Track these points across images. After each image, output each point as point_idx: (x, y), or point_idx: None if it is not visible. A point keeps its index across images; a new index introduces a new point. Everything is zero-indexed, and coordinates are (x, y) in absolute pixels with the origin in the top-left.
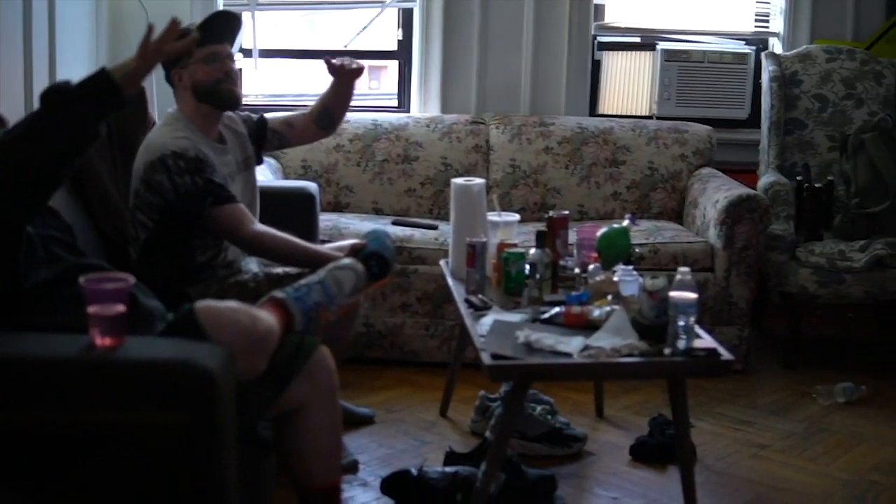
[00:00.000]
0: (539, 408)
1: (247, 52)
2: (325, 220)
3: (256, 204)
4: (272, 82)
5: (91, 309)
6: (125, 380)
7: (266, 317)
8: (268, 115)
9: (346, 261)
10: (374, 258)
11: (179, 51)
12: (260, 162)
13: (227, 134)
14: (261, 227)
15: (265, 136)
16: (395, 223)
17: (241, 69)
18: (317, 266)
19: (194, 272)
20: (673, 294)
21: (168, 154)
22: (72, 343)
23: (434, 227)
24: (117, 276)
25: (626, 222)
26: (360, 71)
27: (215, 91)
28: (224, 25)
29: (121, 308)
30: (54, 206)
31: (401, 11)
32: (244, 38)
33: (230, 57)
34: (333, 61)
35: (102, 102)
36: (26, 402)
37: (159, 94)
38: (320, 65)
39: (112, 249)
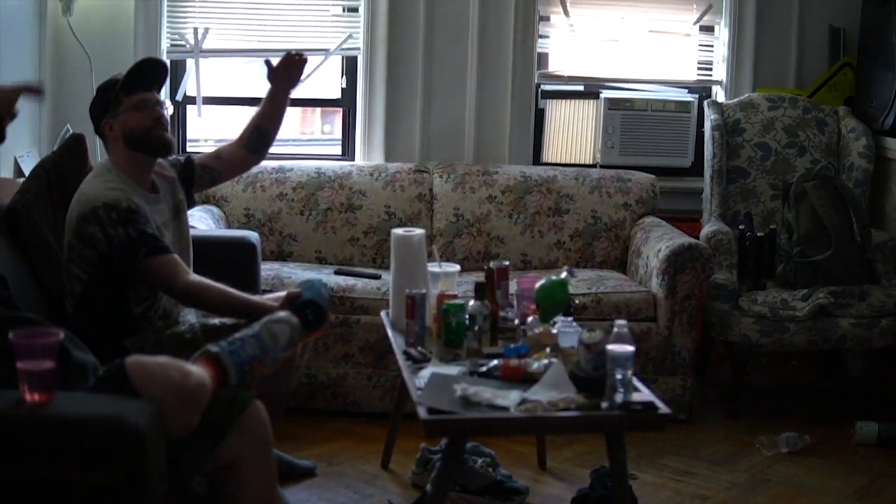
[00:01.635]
0: (480, 460)
1: (190, 99)
2: (267, 269)
3: (189, 252)
4: (216, 129)
5: (20, 364)
6: (54, 436)
7: (198, 371)
8: (195, 155)
9: (282, 314)
10: (310, 306)
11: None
12: (192, 204)
13: (158, 182)
14: (195, 278)
15: (193, 175)
16: (337, 272)
17: (170, 115)
18: (253, 316)
19: (130, 324)
20: (610, 347)
21: (100, 206)
22: (1, 398)
23: (377, 277)
24: (48, 331)
25: (563, 274)
26: (303, 62)
27: (147, 138)
28: (152, 73)
29: (50, 364)
30: None
31: (344, 59)
32: (188, 86)
33: (160, 103)
34: (273, 60)
35: None
36: None
37: (100, 146)
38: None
39: (51, 300)
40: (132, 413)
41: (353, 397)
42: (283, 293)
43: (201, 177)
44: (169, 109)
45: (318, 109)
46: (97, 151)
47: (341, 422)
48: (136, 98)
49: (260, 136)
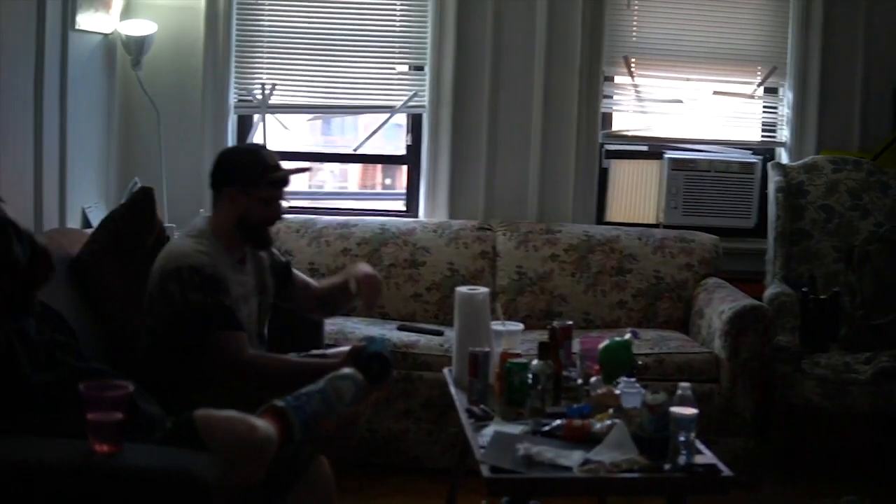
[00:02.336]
0: None
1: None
2: (331, 323)
3: (261, 333)
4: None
5: (90, 415)
6: (123, 488)
7: (264, 426)
8: (293, 269)
9: (347, 370)
10: (376, 360)
11: None
12: (274, 302)
13: (248, 256)
14: (254, 353)
15: (288, 284)
16: (400, 328)
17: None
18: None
19: (199, 379)
20: (674, 409)
21: (185, 266)
22: (71, 449)
23: (439, 333)
24: (117, 384)
25: (627, 335)
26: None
27: (257, 231)
28: (293, 177)
29: (119, 416)
30: (59, 308)
31: (410, 117)
32: (254, 140)
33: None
34: (359, 277)
35: None
36: None
37: (169, 197)
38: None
39: (118, 351)
40: (200, 466)
41: (414, 453)
42: (345, 348)
43: (291, 290)
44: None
45: (380, 165)
46: (164, 205)
47: (401, 477)
48: (273, 193)
49: (327, 306)
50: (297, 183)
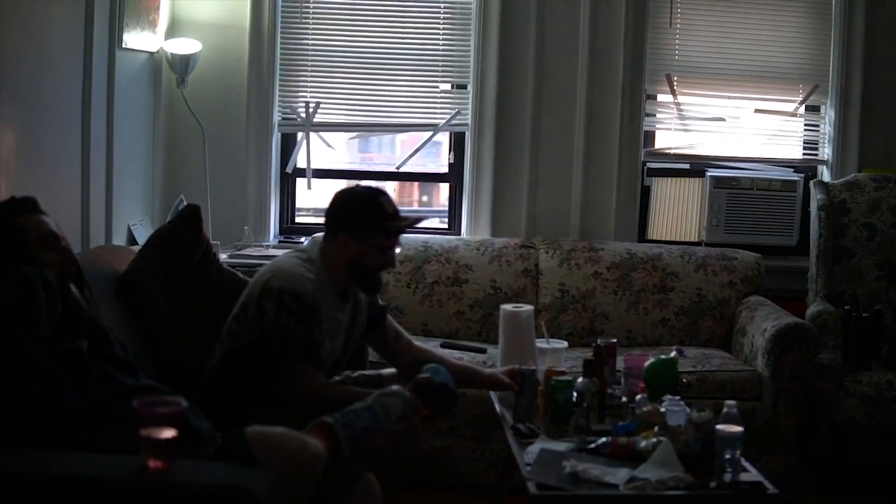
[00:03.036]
0: None
1: (300, 172)
2: None
3: (340, 366)
4: (325, 201)
5: (143, 431)
6: (175, 503)
7: (314, 442)
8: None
9: (395, 388)
10: (442, 390)
11: None
12: (364, 341)
13: (350, 293)
14: (322, 383)
15: (378, 328)
16: (443, 346)
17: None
18: None
19: (262, 396)
20: (719, 427)
21: (288, 290)
22: (123, 464)
23: (482, 351)
24: (170, 400)
25: (673, 353)
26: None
27: (369, 276)
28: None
29: (172, 431)
30: (110, 324)
31: (453, 135)
32: (298, 158)
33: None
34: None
35: None
36: None
37: (213, 215)
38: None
39: (165, 367)
40: (252, 482)
41: (457, 470)
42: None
43: (383, 335)
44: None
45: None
46: (209, 222)
47: (444, 494)
48: (389, 242)
49: (410, 375)
50: None
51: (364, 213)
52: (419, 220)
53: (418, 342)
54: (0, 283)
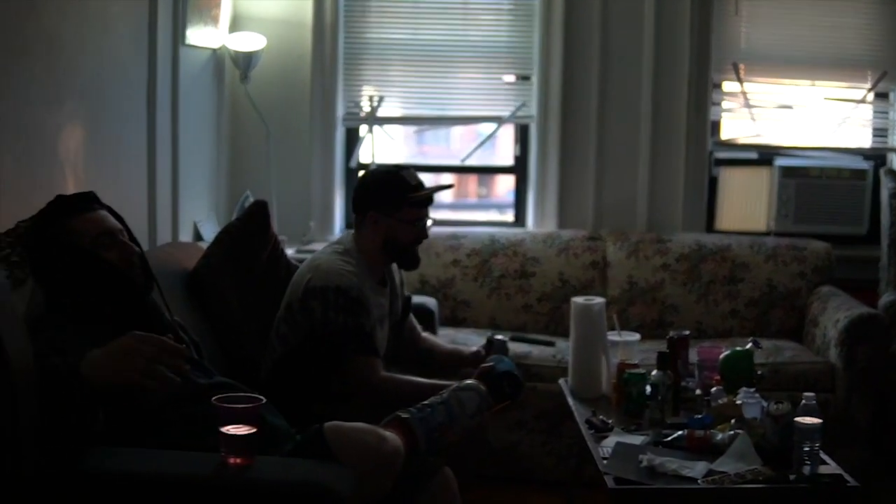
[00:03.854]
0: None
1: (364, 166)
2: (443, 334)
3: (396, 352)
4: None
5: (223, 428)
6: (256, 500)
7: (392, 437)
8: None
9: (470, 382)
10: (507, 378)
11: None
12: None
13: (387, 278)
14: (386, 376)
15: (406, 317)
16: (512, 339)
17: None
18: None
19: (325, 393)
20: (798, 419)
21: (332, 287)
22: (203, 461)
23: (552, 344)
24: (249, 396)
25: (749, 345)
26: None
27: (406, 252)
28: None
29: (252, 428)
30: (182, 321)
31: (518, 127)
32: (362, 153)
33: (427, 224)
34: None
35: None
36: None
37: (279, 210)
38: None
39: (236, 364)
40: (333, 479)
41: (527, 464)
42: (472, 348)
43: (402, 324)
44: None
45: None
46: (275, 220)
47: (514, 489)
48: (418, 214)
49: (427, 360)
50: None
51: (388, 188)
52: (443, 188)
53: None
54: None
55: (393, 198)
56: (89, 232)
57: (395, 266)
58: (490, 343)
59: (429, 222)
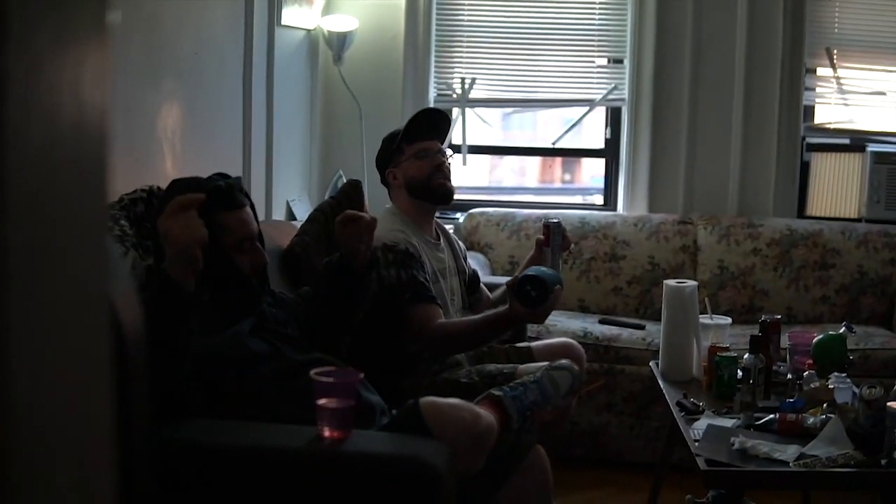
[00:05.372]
0: None
1: (456, 148)
2: None
3: (459, 308)
4: (482, 178)
5: (321, 401)
6: (352, 473)
7: (486, 414)
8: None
9: (564, 361)
10: (530, 282)
11: (189, 203)
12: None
13: (443, 236)
14: (442, 321)
15: (477, 291)
16: (602, 322)
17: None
18: (500, 331)
19: (405, 364)
20: (891, 404)
21: (379, 246)
22: (300, 434)
23: (641, 327)
24: (346, 370)
25: (842, 330)
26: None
27: (428, 186)
28: (432, 122)
29: (350, 401)
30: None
31: (609, 110)
32: (455, 135)
33: (441, 152)
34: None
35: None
36: (254, 491)
37: (370, 194)
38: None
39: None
40: (430, 453)
41: (615, 446)
42: (555, 340)
43: (473, 302)
44: (452, 158)
45: (559, 159)
46: (368, 198)
47: (602, 470)
48: (417, 147)
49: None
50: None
51: (386, 144)
52: (425, 111)
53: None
54: None
55: (392, 149)
56: (236, 233)
57: (451, 232)
58: (547, 227)
59: (445, 158)
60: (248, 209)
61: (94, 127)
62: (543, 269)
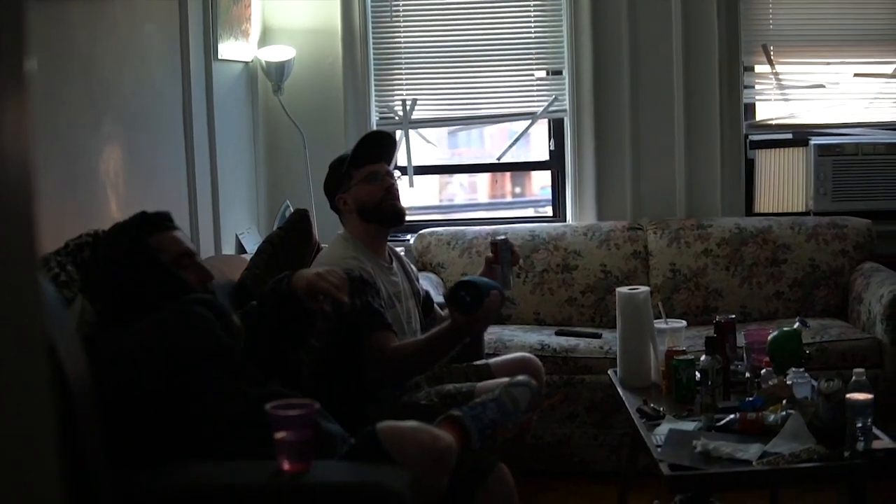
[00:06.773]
0: None
1: (402, 170)
2: (489, 333)
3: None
4: (428, 198)
5: (279, 435)
6: None
7: (445, 435)
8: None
9: (522, 377)
10: (463, 287)
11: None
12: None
13: (395, 260)
14: (395, 345)
15: (431, 313)
16: (558, 333)
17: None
18: (449, 345)
19: (367, 391)
20: (850, 396)
21: None
22: (260, 470)
23: (598, 336)
24: (303, 402)
25: (796, 325)
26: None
27: (380, 209)
28: (379, 145)
29: (308, 433)
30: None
31: (551, 122)
32: (399, 157)
33: (389, 174)
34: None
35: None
36: None
37: (318, 219)
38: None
39: (286, 374)
40: (391, 479)
41: (579, 457)
42: (512, 356)
43: (429, 325)
44: (399, 180)
45: (508, 173)
46: (315, 227)
47: (568, 482)
48: (366, 170)
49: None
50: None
51: (334, 170)
52: (372, 133)
53: None
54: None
55: (340, 173)
56: (170, 250)
57: (402, 254)
58: (494, 245)
59: (394, 180)
60: (180, 232)
61: (16, 183)
62: (477, 277)
